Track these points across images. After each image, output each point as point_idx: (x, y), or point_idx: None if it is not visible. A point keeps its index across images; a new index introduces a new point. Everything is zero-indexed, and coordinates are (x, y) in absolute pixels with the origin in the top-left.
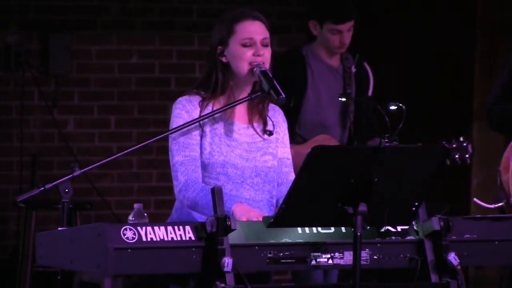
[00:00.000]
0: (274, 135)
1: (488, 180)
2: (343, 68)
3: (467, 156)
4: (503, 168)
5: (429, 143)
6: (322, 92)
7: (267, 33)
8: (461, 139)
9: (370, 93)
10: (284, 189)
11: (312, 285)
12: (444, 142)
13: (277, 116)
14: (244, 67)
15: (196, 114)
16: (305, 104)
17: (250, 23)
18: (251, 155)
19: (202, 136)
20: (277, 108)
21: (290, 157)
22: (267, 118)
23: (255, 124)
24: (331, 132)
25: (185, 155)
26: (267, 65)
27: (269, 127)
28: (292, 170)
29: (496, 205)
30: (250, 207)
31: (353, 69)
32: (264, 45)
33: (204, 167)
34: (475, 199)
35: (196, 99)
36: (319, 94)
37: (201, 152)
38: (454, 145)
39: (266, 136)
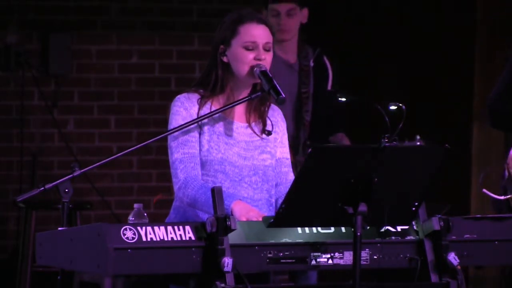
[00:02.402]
0: (273, 135)
1: (488, 178)
2: (299, 65)
3: None
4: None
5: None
6: None
7: (270, 37)
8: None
9: (329, 87)
10: (283, 189)
11: (311, 285)
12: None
13: (276, 116)
14: (244, 70)
15: (194, 111)
16: None
17: (254, 26)
18: (249, 154)
19: (200, 134)
20: (276, 108)
21: (289, 157)
22: (266, 119)
23: (253, 124)
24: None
25: (184, 152)
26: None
27: (268, 127)
28: (291, 170)
29: (506, 197)
30: (249, 206)
31: (311, 63)
32: (266, 50)
33: (202, 164)
34: (484, 190)
35: (195, 96)
36: None
37: (199, 150)
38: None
39: (264, 136)
